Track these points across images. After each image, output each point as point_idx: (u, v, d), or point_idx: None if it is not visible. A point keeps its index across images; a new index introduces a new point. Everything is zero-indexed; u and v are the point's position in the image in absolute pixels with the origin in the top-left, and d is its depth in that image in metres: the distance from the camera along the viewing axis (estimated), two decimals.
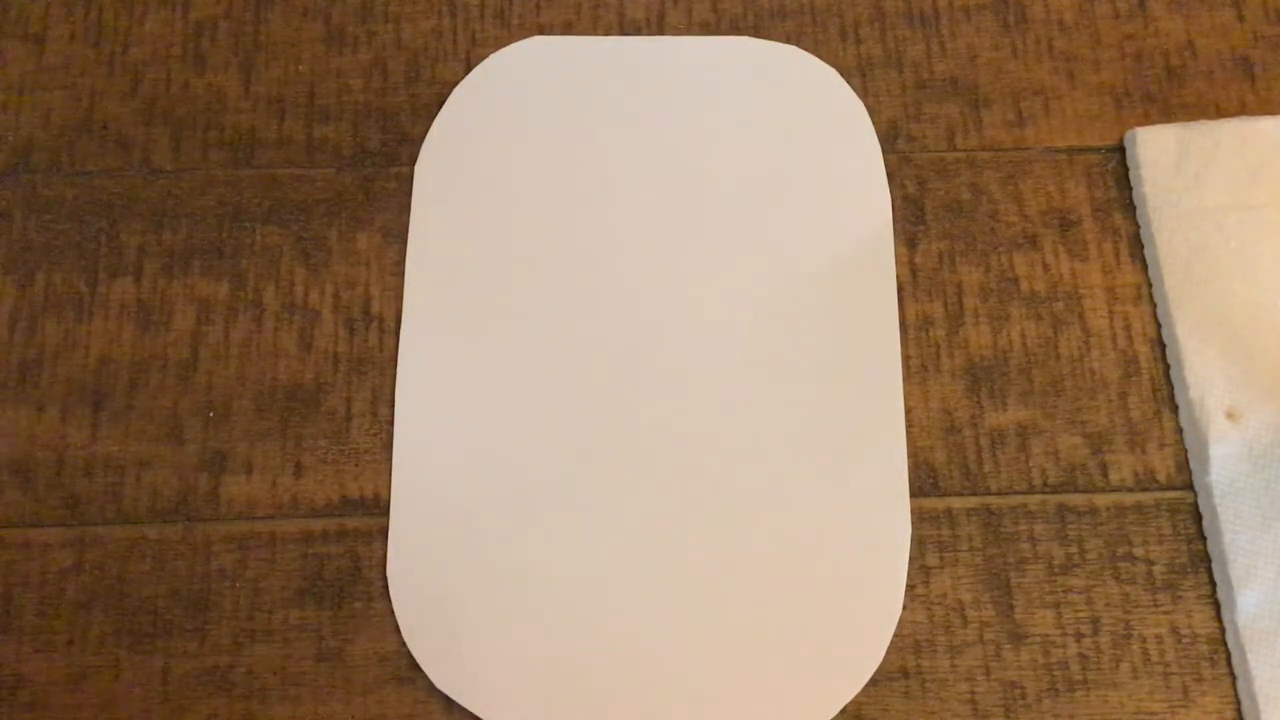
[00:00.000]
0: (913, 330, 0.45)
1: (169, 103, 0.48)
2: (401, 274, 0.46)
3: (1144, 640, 0.42)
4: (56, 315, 0.45)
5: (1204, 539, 0.43)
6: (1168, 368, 0.45)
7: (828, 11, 0.50)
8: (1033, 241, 0.47)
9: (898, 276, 0.46)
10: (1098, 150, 0.48)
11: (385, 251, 0.46)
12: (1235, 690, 0.41)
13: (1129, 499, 0.43)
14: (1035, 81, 0.49)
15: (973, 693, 0.41)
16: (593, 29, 0.49)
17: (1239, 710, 0.41)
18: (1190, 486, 0.43)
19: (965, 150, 0.48)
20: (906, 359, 0.45)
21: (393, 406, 0.44)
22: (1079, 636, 0.42)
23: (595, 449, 0.43)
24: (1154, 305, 0.46)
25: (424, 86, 0.48)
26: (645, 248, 0.46)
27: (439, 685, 0.41)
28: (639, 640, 0.41)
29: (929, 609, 0.42)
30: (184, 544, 0.42)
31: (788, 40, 0.49)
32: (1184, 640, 0.42)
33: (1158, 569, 0.42)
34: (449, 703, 0.41)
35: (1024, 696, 0.41)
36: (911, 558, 0.42)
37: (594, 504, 0.43)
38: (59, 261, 0.46)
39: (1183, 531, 0.43)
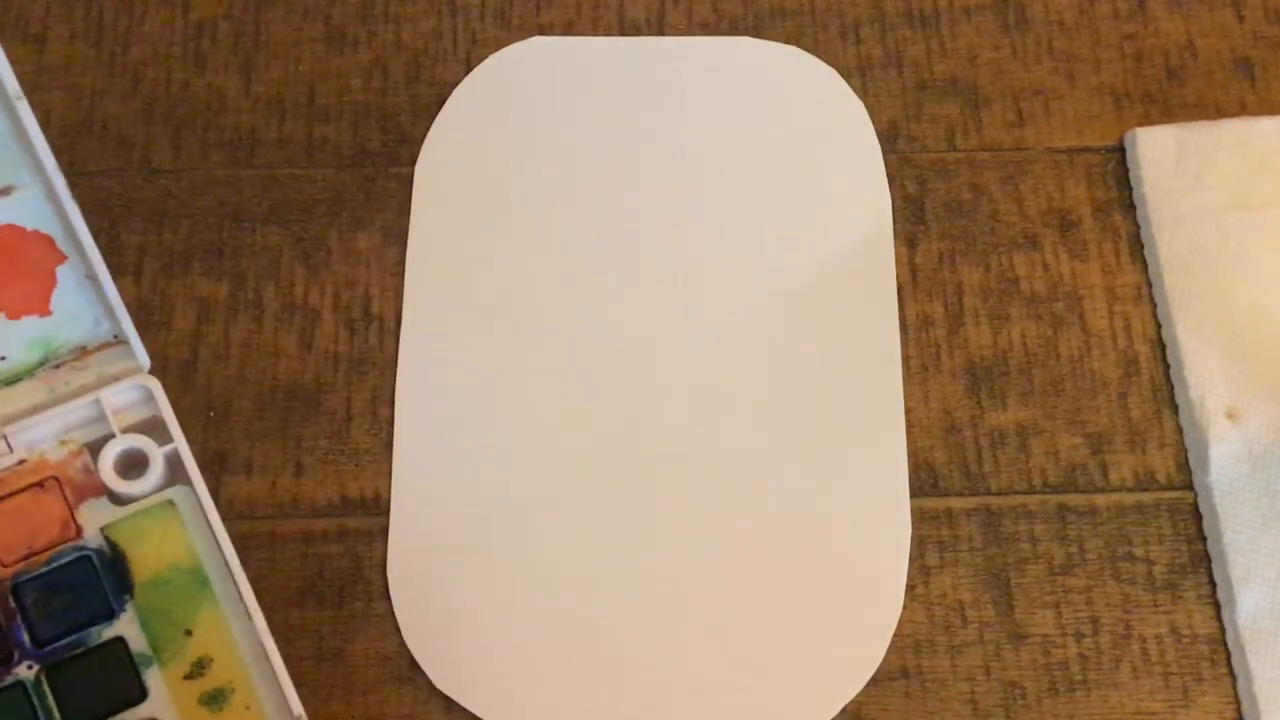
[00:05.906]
0: (913, 330, 0.45)
1: (169, 103, 0.48)
2: (401, 274, 0.46)
3: (1144, 640, 0.42)
4: None
5: (1204, 539, 0.43)
6: (1168, 368, 0.45)
7: (828, 11, 0.50)
8: (1033, 241, 0.47)
9: (898, 276, 0.46)
10: (1098, 150, 0.48)
11: (385, 251, 0.46)
12: (1235, 690, 0.41)
13: (1129, 499, 0.43)
14: (1035, 82, 0.49)
15: (973, 693, 0.41)
16: (593, 29, 0.49)
17: (1239, 710, 0.41)
18: (1190, 486, 0.43)
19: (965, 150, 0.48)
20: (906, 359, 0.45)
21: (393, 406, 0.44)
22: (1079, 636, 0.42)
23: (595, 449, 0.43)
24: (1154, 305, 0.46)
25: (424, 86, 0.48)
26: (645, 248, 0.46)
27: (439, 685, 0.41)
28: (639, 640, 0.41)
29: (929, 609, 0.42)
30: None
31: (788, 40, 0.49)
32: (1184, 640, 0.42)
33: (1158, 569, 0.42)
34: (449, 703, 0.41)
35: (1024, 696, 0.41)
36: (911, 558, 0.42)
37: (594, 504, 0.43)
38: None
39: (1183, 531, 0.43)
